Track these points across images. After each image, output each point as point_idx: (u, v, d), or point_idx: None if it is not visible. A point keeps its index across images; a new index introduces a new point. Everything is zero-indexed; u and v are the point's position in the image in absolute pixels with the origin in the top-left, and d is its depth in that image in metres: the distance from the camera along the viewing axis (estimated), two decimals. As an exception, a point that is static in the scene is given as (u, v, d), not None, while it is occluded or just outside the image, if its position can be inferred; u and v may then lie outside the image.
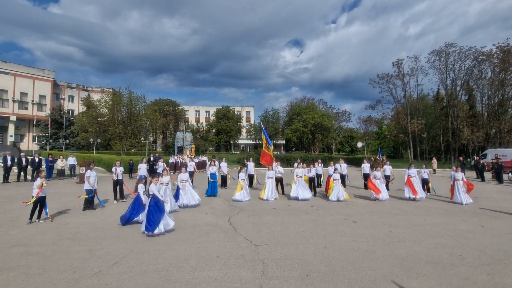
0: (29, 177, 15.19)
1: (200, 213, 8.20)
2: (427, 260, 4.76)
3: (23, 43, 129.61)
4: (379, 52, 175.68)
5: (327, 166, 12.48)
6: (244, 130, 62.76)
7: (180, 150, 29.53)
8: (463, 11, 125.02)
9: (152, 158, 17.81)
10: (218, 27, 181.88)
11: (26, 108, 44.66)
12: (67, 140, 42.03)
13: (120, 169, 9.99)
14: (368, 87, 64.57)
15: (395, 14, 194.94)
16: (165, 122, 48.94)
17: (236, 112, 63.58)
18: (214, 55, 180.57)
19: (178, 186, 9.06)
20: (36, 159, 15.70)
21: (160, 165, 15.96)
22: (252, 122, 66.59)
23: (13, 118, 42.87)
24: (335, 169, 11.26)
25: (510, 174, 18.28)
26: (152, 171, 15.04)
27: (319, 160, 14.34)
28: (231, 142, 59.33)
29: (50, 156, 16.66)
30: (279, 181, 11.78)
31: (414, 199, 10.49)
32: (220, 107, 60.51)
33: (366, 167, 13.72)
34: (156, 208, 6.11)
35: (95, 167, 9.30)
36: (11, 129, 43.13)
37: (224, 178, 13.41)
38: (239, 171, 10.94)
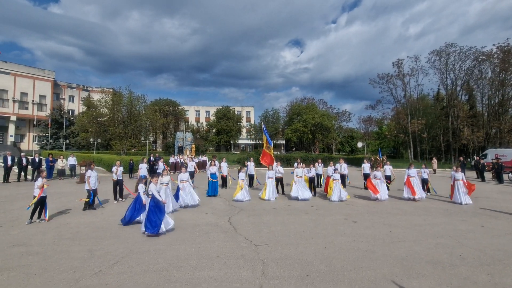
0: (29, 177, 15.21)
1: (200, 213, 8.20)
2: (427, 260, 4.76)
3: (23, 43, 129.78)
4: (379, 52, 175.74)
5: (327, 166, 12.48)
6: (244, 130, 62.77)
7: (180, 150, 29.55)
8: (463, 11, 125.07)
9: (152, 158, 17.81)
10: (218, 27, 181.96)
11: (27, 108, 44.69)
12: (68, 140, 42.06)
13: (120, 169, 10.01)
14: (368, 87, 64.77)
15: (395, 14, 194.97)
16: (165, 122, 48.98)
17: (236, 112, 63.59)
18: (214, 55, 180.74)
19: (178, 186, 9.07)
20: (37, 159, 15.70)
21: (160, 165, 15.98)
22: (252, 122, 66.59)
23: (13, 118, 42.90)
24: (335, 169, 11.26)
25: (510, 174, 18.27)
26: (152, 171, 15.04)
27: (319, 160, 14.34)
28: (231, 142, 59.33)
29: (50, 156, 16.67)
30: (279, 181, 11.78)
31: (414, 199, 10.49)
32: (220, 107, 60.53)
33: (366, 167, 13.71)
34: (157, 209, 6.11)
35: (95, 167, 9.27)
36: (12, 129, 43.16)
37: (224, 179, 13.41)
38: (239, 171, 10.94)
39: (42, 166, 15.42)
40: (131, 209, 6.89)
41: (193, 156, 25.50)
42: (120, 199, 9.87)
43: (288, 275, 4.18)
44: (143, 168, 12.96)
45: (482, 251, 5.23)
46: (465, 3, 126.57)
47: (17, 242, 5.52)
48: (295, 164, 11.36)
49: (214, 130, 58.36)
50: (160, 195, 6.42)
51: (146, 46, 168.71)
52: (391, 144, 54.16)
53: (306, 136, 49.28)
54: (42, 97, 46.61)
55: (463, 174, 10.35)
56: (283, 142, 59.40)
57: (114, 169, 10.01)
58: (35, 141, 45.27)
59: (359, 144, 45.70)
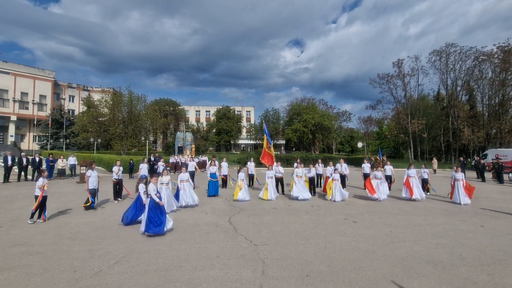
0: (29, 177, 15.22)
1: (200, 213, 8.21)
2: (427, 260, 4.76)
3: (23, 43, 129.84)
4: (380, 52, 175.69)
5: (327, 166, 12.48)
6: (244, 130, 62.77)
7: (181, 150, 29.57)
8: (464, 11, 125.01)
9: (152, 158, 17.82)
10: (219, 27, 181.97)
11: (27, 108, 44.71)
12: (68, 140, 42.07)
13: (120, 169, 10.02)
14: (369, 87, 64.74)
15: (395, 14, 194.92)
16: (165, 122, 48.99)
17: (236, 112, 63.58)
18: (214, 55, 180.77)
19: (178, 186, 9.07)
20: (37, 159, 15.72)
21: (161, 165, 15.98)
22: (252, 122, 66.58)
23: (13, 118, 42.92)
24: (335, 169, 11.26)
25: (510, 174, 18.24)
26: (152, 171, 15.05)
27: (319, 160, 14.33)
28: (232, 142, 59.33)
29: (50, 156, 16.68)
30: (279, 181, 11.78)
31: (414, 200, 10.49)
32: (221, 107, 60.52)
33: (366, 167, 13.70)
34: (157, 209, 6.12)
35: (95, 167, 9.25)
36: (12, 129, 43.18)
37: (224, 179, 13.39)
38: (239, 171, 10.94)
39: (42, 166, 15.42)
40: (132, 209, 6.90)
41: (193, 156, 25.50)
42: (119, 199, 9.87)
43: (288, 275, 4.19)
44: (143, 168, 12.95)
45: (482, 251, 5.23)
46: (466, 3, 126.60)
47: (18, 242, 5.53)
48: (295, 164, 11.35)
49: (214, 130, 58.36)
50: (158, 195, 6.38)
51: (147, 46, 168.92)
52: (391, 144, 54.12)
53: (306, 136, 49.28)
54: (42, 97, 46.63)
55: (463, 174, 10.36)
56: (283, 142, 59.39)
57: (115, 169, 10.01)
58: (35, 141, 45.29)
59: (359, 144, 45.69)
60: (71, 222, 7.02)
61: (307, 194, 10.54)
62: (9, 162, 14.59)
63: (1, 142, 42.14)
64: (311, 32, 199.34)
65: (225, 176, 13.42)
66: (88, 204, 8.29)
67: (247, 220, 7.44)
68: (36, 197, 7.01)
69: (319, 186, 13.25)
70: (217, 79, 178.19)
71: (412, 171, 10.87)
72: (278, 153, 47.28)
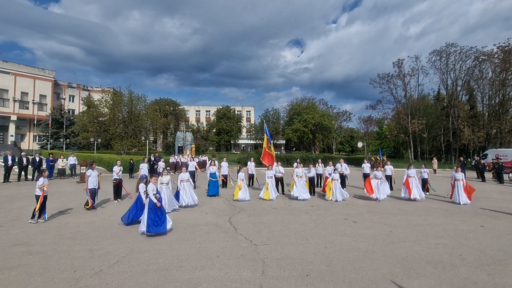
0: (29, 177, 15.22)
1: (200, 213, 8.21)
2: (427, 260, 4.76)
3: (24, 42, 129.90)
4: (380, 52, 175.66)
5: (327, 166, 12.48)
6: (244, 130, 62.77)
7: (181, 150, 29.57)
8: (464, 11, 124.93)
9: (152, 158, 17.83)
10: (219, 27, 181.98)
11: (27, 108, 44.72)
12: (68, 140, 42.07)
13: (121, 169, 10.03)
14: (369, 87, 64.68)
15: (395, 14, 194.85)
16: (165, 122, 48.97)
17: (236, 112, 63.59)
18: (214, 55, 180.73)
19: (178, 186, 9.07)
20: (37, 159, 15.73)
21: (161, 165, 15.98)
22: (252, 122, 66.58)
23: (13, 117, 42.93)
24: (335, 169, 11.25)
25: (510, 174, 18.24)
26: (152, 171, 15.05)
27: (319, 160, 14.33)
28: (232, 142, 59.32)
29: (50, 155, 16.69)
30: (279, 180, 11.78)
31: (414, 199, 10.49)
32: (221, 107, 60.52)
33: (366, 167, 13.70)
34: (157, 209, 6.11)
35: (96, 166, 9.25)
36: (12, 128, 43.19)
37: (224, 180, 13.38)
38: (238, 171, 10.94)
39: (43, 166, 15.44)
40: (133, 209, 6.90)
41: (194, 156, 25.50)
42: (118, 199, 9.87)
43: (288, 275, 4.19)
44: (144, 168, 12.96)
45: (482, 251, 5.23)
46: (466, 3, 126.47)
47: (18, 242, 5.53)
48: (295, 164, 11.34)
49: (214, 130, 58.36)
50: (158, 196, 6.36)
51: (147, 46, 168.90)
52: (391, 144, 54.12)
53: (306, 136, 49.28)
54: (42, 96, 46.64)
55: (463, 174, 10.36)
56: (283, 142, 59.39)
57: (116, 168, 10.01)
58: (36, 141, 45.30)
59: (359, 144, 45.70)
60: (71, 222, 7.03)
61: (307, 195, 10.54)
62: (9, 162, 14.60)
63: (1, 142, 42.16)
64: (311, 32, 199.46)
65: (225, 176, 13.41)
66: (89, 206, 8.31)
67: (247, 220, 7.44)
68: (37, 196, 7.02)
69: (319, 186, 13.26)
70: (217, 79, 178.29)
71: (412, 171, 10.87)
72: (278, 153, 47.28)
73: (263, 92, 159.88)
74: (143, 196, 6.97)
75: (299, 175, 10.67)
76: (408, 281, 4.00)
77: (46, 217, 7.14)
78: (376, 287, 3.85)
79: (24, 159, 15.13)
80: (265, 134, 13.30)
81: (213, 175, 11.15)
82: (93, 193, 8.53)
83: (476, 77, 37.28)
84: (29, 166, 15.38)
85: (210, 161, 12.60)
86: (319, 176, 13.42)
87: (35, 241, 5.57)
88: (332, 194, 10.28)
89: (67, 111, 48.09)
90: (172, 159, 21.63)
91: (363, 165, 14.06)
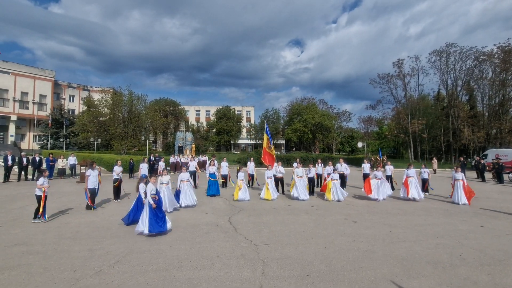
0: (29, 177, 15.22)
1: (200, 213, 8.21)
2: (427, 260, 4.76)
3: (24, 42, 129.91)
4: (380, 52, 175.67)
5: (326, 166, 12.48)
6: (244, 130, 62.77)
7: (181, 150, 29.57)
8: (464, 11, 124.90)
9: (152, 158, 17.83)
10: (219, 27, 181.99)
11: (27, 108, 44.72)
12: (68, 140, 42.07)
13: (120, 169, 10.04)
14: (369, 87, 64.73)
15: (395, 14, 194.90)
16: (165, 122, 48.96)
17: (236, 112, 63.60)
18: (214, 55, 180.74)
19: (177, 187, 9.07)
20: (37, 159, 15.73)
21: (161, 165, 15.98)
22: (252, 122, 66.59)
23: (13, 117, 42.93)
24: (334, 169, 11.24)
25: (510, 174, 18.25)
26: (152, 171, 15.05)
27: (319, 160, 14.33)
28: (232, 142, 59.33)
29: (50, 155, 16.68)
30: (279, 181, 11.78)
31: (414, 200, 10.49)
32: (221, 107, 60.53)
33: (366, 167, 13.70)
34: (157, 208, 6.11)
35: (96, 166, 9.24)
36: (12, 128, 43.19)
37: (225, 179, 13.38)
38: (238, 171, 10.94)
39: (43, 166, 15.44)
40: (134, 209, 6.89)
41: (194, 156, 25.50)
42: (118, 199, 9.87)
43: (288, 275, 4.19)
44: (143, 168, 12.97)
45: (482, 252, 5.23)
46: (466, 3, 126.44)
47: (18, 241, 5.53)
48: (295, 164, 11.33)
49: (214, 130, 58.37)
50: (157, 197, 6.35)
51: (147, 46, 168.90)
52: (391, 144, 54.14)
53: (306, 136, 49.29)
54: (42, 96, 46.64)
55: (463, 174, 10.36)
56: (283, 142, 59.41)
57: (116, 168, 10.01)
58: (36, 141, 45.29)
59: (359, 144, 45.72)
60: (72, 222, 7.03)
61: (306, 195, 10.54)
62: (9, 162, 14.59)
63: (1, 141, 42.16)
64: (311, 32, 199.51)
65: (225, 176, 13.40)
66: (90, 206, 8.31)
67: (247, 220, 7.45)
68: (37, 196, 7.03)
69: (318, 186, 13.27)
70: (217, 79, 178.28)
71: (412, 171, 10.87)
72: (278, 153, 47.30)
73: (263, 92, 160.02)
74: (143, 196, 6.98)
75: (300, 175, 10.67)
76: (408, 281, 4.00)
77: (46, 217, 7.14)
78: (376, 287, 3.85)
79: (24, 159, 15.13)
80: (265, 134, 13.29)
81: (212, 175, 11.16)
82: (93, 192, 8.53)
83: (476, 77, 37.29)
84: (29, 166, 15.38)
85: (209, 161, 12.59)
86: (319, 176, 13.43)
87: (35, 241, 5.57)
88: (332, 195, 10.27)
89: (67, 111, 48.09)
90: (172, 159, 21.62)
91: (363, 165, 14.06)
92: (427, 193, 11.95)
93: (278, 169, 11.82)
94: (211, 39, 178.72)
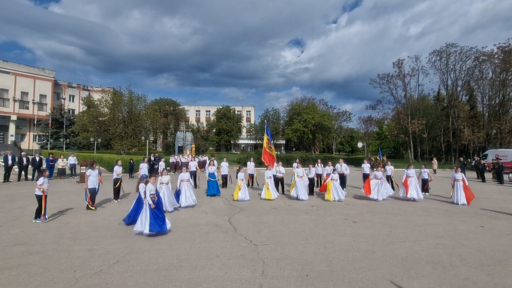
0: (29, 177, 15.22)
1: (200, 213, 8.21)
2: (427, 261, 4.76)
3: (24, 42, 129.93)
4: (380, 52, 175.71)
5: (326, 166, 12.47)
6: (244, 130, 62.78)
7: (181, 150, 29.57)
8: (464, 11, 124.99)
9: (152, 158, 17.82)
10: (219, 26, 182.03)
11: (27, 108, 44.73)
12: (68, 140, 42.08)
13: (120, 169, 10.04)
14: (369, 87, 64.75)
15: (396, 14, 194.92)
16: (165, 122, 48.97)
17: (236, 112, 63.60)
18: (214, 55, 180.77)
19: (177, 187, 9.07)
20: (37, 159, 15.73)
21: (161, 165, 15.98)
22: (252, 122, 66.59)
23: (13, 117, 42.94)
24: (334, 169, 11.24)
25: (510, 174, 18.25)
26: (152, 171, 15.05)
27: (319, 160, 14.33)
28: (232, 142, 59.33)
29: (50, 155, 16.68)
30: (279, 181, 11.77)
31: (413, 200, 10.49)
32: (221, 107, 60.52)
33: (366, 167, 13.70)
34: (156, 208, 6.11)
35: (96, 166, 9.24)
36: (12, 128, 43.20)
37: (225, 179, 13.37)
38: (238, 171, 10.94)
39: (43, 166, 15.44)
40: (134, 209, 6.89)
41: (194, 156, 25.50)
42: (118, 200, 9.87)
43: (288, 275, 4.19)
44: (143, 168, 12.97)
45: (482, 252, 5.23)
46: (466, 3, 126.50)
47: (18, 241, 5.54)
48: (295, 164, 11.32)
49: (214, 130, 58.37)
50: (156, 198, 6.35)
51: (147, 45, 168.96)
52: (391, 144, 54.12)
53: (306, 136, 49.28)
54: (42, 96, 46.65)
55: (463, 174, 10.36)
56: (283, 142, 59.41)
57: (117, 168, 10.01)
58: (36, 141, 45.30)
59: (359, 144, 45.72)
60: (71, 222, 7.03)
61: (306, 195, 10.54)
62: (9, 162, 14.59)
63: (1, 141, 42.17)
64: (312, 32, 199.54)
65: (225, 176, 13.39)
66: (90, 206, 8.31)
67: (247, 220, 7.45)
68: (37, 196, 7.04)
69: (318, 186, 13.27)
70: (217, 79, 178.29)
71: (411, 171, 10.87)
72: (278, 153, 47.29)
73: (263, 92, 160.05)
74: (143, 196, 6.98)
75: (300, 175, 10.66)
76: (408, 281, 4.01)
77: (47, 217, 7.15)
78: (376, 287, 3.85)
79: (24, 159, 15.13)
80: (265, 135, 13.27)
81: (211, 175, 11.16)
82: (93, 192, 8.52)
83: (476, 77, 37.28)
84: (29, 166, 15.38)
85: (209, 161, 12.59)
86: (319, 176, 13.42)
87: (35, 241, 5.57)
88: (332, 195, 10.27)
89: (67, 111, 48.12)
90: (172, 159, 21.62)
91: (363, 165, 14.06)
92: (427, 193, 11.95)
93: (279, 169, 11.82)
94: (211, 39, 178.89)
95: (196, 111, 68.85)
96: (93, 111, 34.10)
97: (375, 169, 11.98)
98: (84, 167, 13.50)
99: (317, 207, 9.29)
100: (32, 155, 17.45)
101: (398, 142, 48.46)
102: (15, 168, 15.36)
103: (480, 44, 70.68)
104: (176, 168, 20.69)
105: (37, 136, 45.16)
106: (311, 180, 11.60)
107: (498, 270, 4.42)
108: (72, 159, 17.32)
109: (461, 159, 21.92)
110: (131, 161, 17.30)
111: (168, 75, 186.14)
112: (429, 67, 39.61)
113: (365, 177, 12.86)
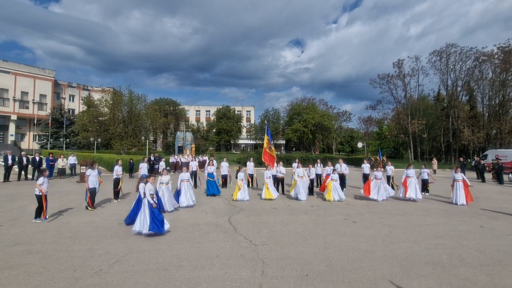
0: (29, 176, 15.22)
1: (200, 213, 8.22)
2: (427, 261, 4.77)
3: (24, 42, 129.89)
4: (380, 52, 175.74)
5: (326, 167, 12.47)
6: (244, 130, 62.78)
7: (181, 150, 29.57)
8: (465, 11, 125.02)
9: (152, 158, 17.82)
10: (219, 26, 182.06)
11: (27, 107, 44.73)
12: (68, 139, 42.09)
13: (120, 169, 10.05)
14: (369, 87, 64.84)
15: (396, 14, 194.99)
16: (165, 122, 48.97)
17: (236, 112, 63.59)
18: (215, 55, 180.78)
19: (178, 187, 9.07)
20: (37, 158, 15.73)
21: (162, 164, 15.98)
22: (252, 122, 66.59)
23: (13, 117, 42.94)
24: (334, 170, 11.24)
25: (510, 175, 18.26)
26: (152, 171, 15.05)
27: (319, 160, 14.33)
28: (232, 142, 59.34)
29: (50, 155, 16.68)
30: (280, 181, 11.77)
31: (413, 200, 10.49)
32: (221, 106, 60.53)
33: (366, 167, 13.69)
34: (156, 210, 6.11)
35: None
36: (12, 128, 43.21)
37: (225, 179, 13.38)
38: (238, 171, 10.94)
39: (43, 166, 15.44)
40: (134, 209, 6.89)
41: (194, 155, 25.49)
42: (118, 199, 9.87)
43: (287, 274, 4.20)
44: (143, 168, 12.97)
45: (481, 252, 5.23)
46: (467, 3, 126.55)
47: (18, 241, 5.54)
48: (295, 165, 11.32)
49: (214, 130, 58.38)
50: (155, 198, 6.35)
51: (147, 45, 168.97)
52: (391, 145, 54.10)
53: (306, 136, 49.28)
54: (42, 96, 46.65)
55: (463, 174, 10.36)
56: (283, 142, 59.41)
57: (117, 168, 10.01)
58: (36, 140, 45.32)
59: (359, 145, 45.69)
60: (71, 222, 7.03)
61: (306, 195, 10.54)
62: (9, 161, 14.60)
63: (1, 141, 42.17)
64: (312, 32, 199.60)
65: (225, 176, 13.39)
66: (90, 207, 8.32)
67: (247, 220, 7.45)
68: (37, 196, 7.04)
69: (317, 186, 13.27)
70: (217, 79, 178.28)
71: (411, 171, 10.87)
72: (278, 153, 47.26)
73: (263, 92, 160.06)
74: (143, 196, 6.98)
75: (300, 175, 10.66)
76: (408, 281, 4.01)
77: (47, 217, 7.15)
78: (376, 287, 3.86)
79: (24, 159, 15.13)
80: (266, 135, 13.27)
81: (211, 174, 11.17)
82: (93, 192, 8.53)
83: (476, 77, 37.26)
84: (29, 166, 15.38)
85: (208, 160, 12.59)
86: (319, 176, 13.42)
87: (35, 241, 5.57)
88: (332, 195, 10.27)
89: (67, 110, 48.13)
90: (172, 159, 21.62)
91: (363, 165, 14.05)
92: (427, 194, 11.96)
93: (279, 169, 11.81)
94: (211, 39, 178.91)
95: (196, 111, 68.85)
96: (93, 111, 34.09)
97: (375, 169, 11.98)
98: (84, 167, 13.50)
99: (317, 207, 9.30)
100: (32, 155, 17.44)
101: (398, 142, 48.44)
102: (15, 168, 15.36)
103: (480, 45, 70.81)
104: (176, 168, 20.69)
105: (37, 136, 45.18)
106: (311, 181, 11.60)
107: (497, 270, 4.43)
108: (72, 159, 17.32)
109: (461, 159, 21.92)
110: (131, 161, 17.31)
111: (168, 75, 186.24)
112: (429, 67, 39.61)
113: (365, 177, 12.86)
